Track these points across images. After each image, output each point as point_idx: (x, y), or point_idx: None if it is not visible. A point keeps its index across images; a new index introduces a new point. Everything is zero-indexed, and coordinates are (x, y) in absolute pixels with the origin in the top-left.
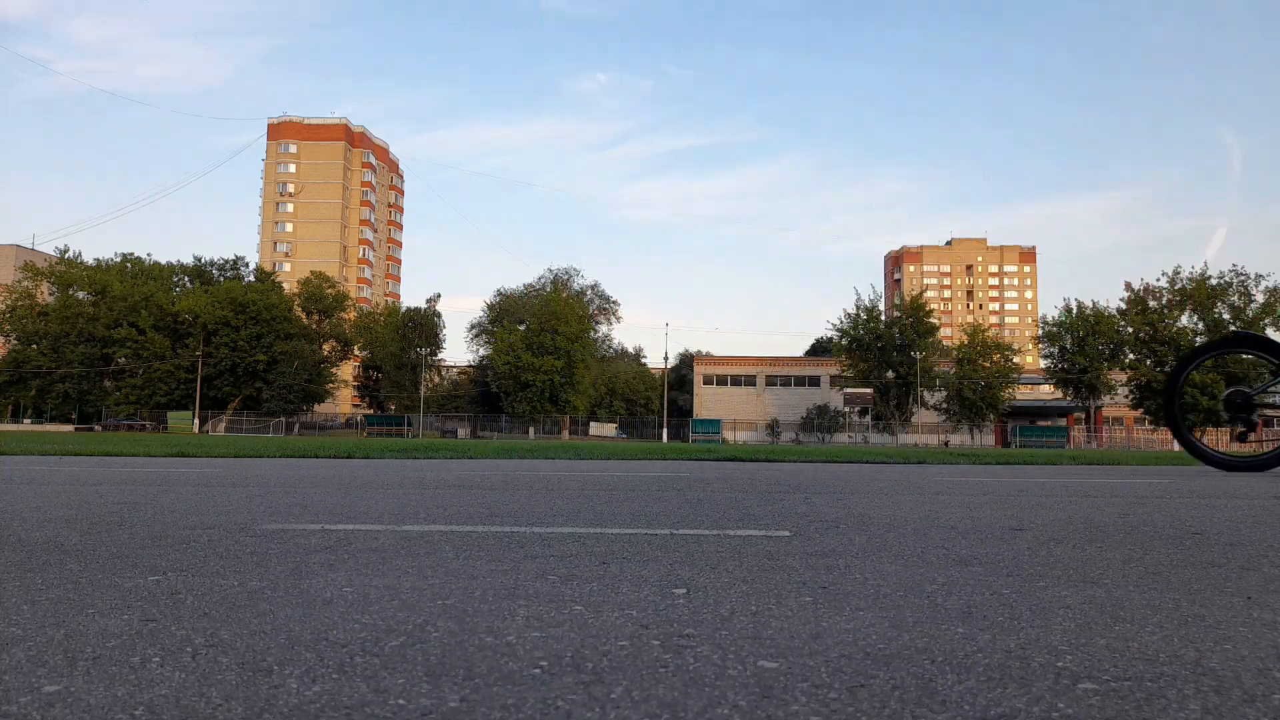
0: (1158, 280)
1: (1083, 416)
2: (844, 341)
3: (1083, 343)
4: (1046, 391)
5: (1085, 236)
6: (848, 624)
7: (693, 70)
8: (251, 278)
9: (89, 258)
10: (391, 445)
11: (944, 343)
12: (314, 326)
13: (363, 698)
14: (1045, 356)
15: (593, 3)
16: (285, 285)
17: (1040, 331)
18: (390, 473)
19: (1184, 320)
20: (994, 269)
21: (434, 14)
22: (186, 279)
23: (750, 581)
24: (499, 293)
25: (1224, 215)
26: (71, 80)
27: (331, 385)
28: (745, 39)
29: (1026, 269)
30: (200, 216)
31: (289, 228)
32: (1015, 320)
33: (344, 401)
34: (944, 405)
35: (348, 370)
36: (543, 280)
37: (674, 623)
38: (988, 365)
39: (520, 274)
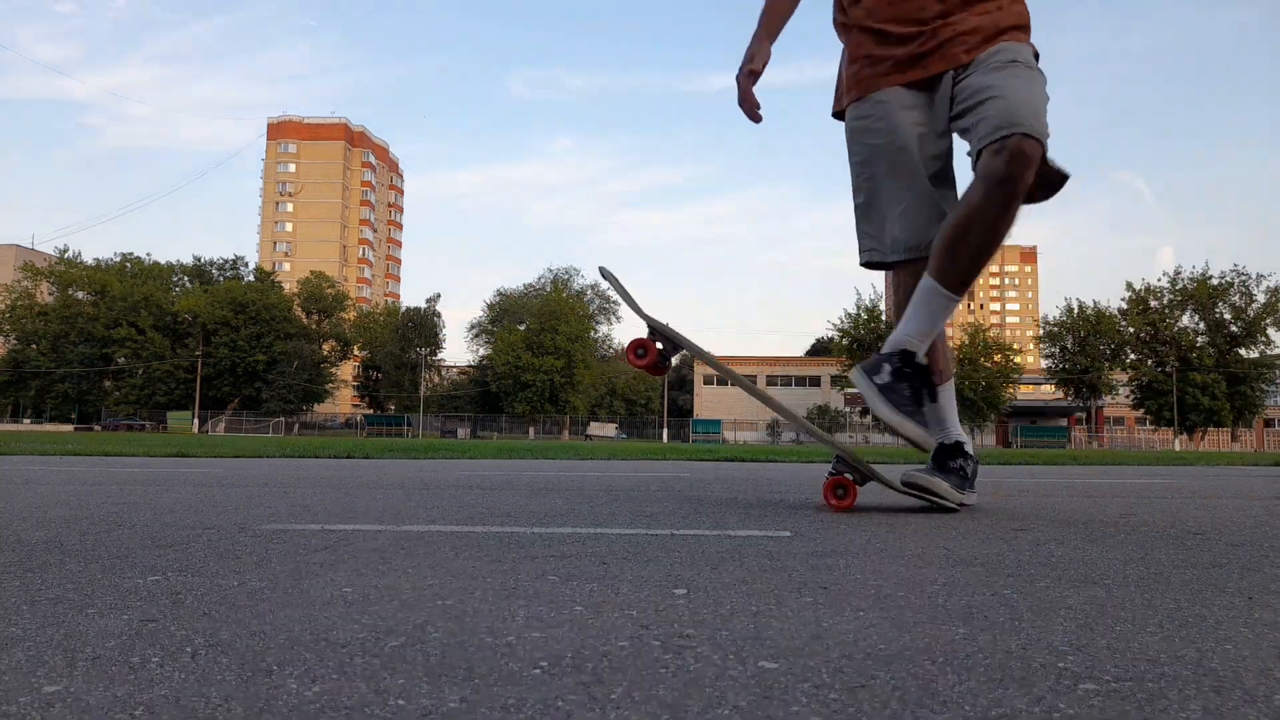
0: (1159, 280)
1: (1084, 416)
2: (845, 341)
3: (1084, 343)
4: (1048, 391)
5: (1087, 236)
6: (848, 624)
7: (687, 105)
8: (251, 277)
9: (89, 258)
10: (391, 445)
11: None
12: (314, 326)
13: (363, 698)
14: (1046, 356)
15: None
16: (285, 285)
17: (1041, 331)
18: (390, 473)
19: (1185, 320)
20: (995, 269)
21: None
22: (186, 279)
23: (750, 582)
24: (499, 292)
25: (1230, 215)
26: (73, 81)
27: (331, 385)
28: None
29: (1028, 269)
30: (200, 216)
31: (289, 227)
32: (1016, 320)
33: (344, 401)
34: None
35: (347, 370)
36: (543, 280)
37: (674, 623)
38: (989, 365)
39: (520, 274)
